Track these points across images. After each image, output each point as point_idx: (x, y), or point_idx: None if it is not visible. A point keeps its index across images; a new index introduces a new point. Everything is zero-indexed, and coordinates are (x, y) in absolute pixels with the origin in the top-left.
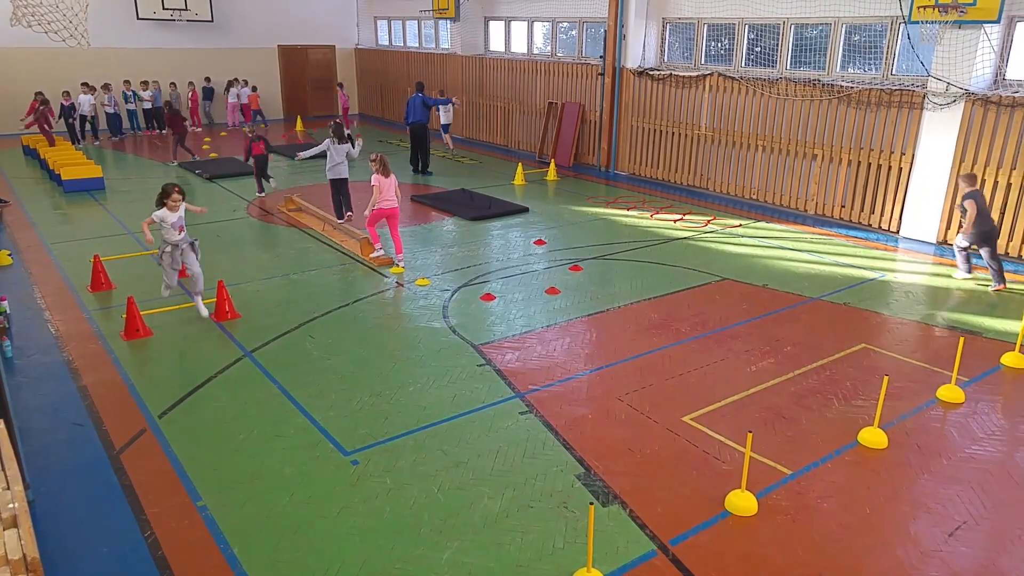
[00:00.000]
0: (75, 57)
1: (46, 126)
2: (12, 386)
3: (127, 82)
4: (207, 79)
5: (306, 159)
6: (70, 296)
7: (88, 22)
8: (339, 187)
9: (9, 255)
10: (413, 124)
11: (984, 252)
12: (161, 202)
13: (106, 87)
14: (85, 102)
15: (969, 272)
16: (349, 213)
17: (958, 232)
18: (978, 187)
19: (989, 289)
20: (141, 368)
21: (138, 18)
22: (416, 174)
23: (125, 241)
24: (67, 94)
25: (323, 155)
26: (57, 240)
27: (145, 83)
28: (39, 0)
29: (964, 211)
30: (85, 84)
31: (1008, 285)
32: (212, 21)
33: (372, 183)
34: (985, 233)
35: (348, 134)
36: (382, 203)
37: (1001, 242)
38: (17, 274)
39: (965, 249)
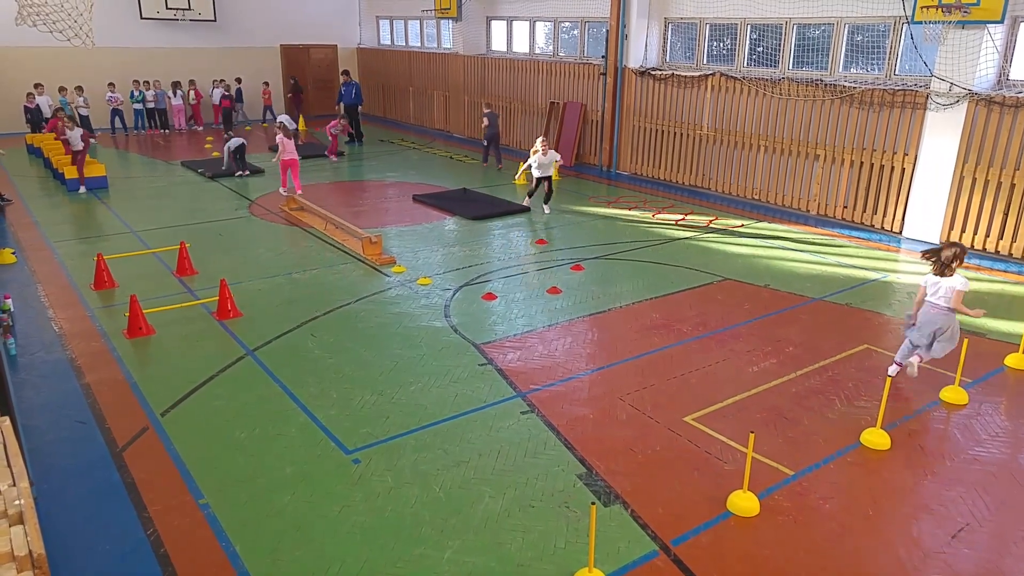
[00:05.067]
0: (78, 56)
1: (63, 139)
2: (16, 384)
3: (136, 81)
4: (238, 80)
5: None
6: (73, 294)
7: (92, 21)
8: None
9: (13, 253)
10: (352, 105)
11: (493, 147)
12: (947, 265)
13: (79, 89)
14: (43, 103)
15: (490, 160)
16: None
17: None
18: (494, 110)
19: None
20: (144, 366)
21: (141, 17)
22: (359, 145)
23: (128, 239)
24: (31, 96)
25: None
26: (60, 239)
27: (147, 83)
28: None
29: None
30: (38, 85)
31: (503, 165)
32: (215, 21)
33: (278, 140)
34: (494, 136)
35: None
36: (285, 155)
37: (1005, 243)
38: (21, 272)
39: (486, 148)
